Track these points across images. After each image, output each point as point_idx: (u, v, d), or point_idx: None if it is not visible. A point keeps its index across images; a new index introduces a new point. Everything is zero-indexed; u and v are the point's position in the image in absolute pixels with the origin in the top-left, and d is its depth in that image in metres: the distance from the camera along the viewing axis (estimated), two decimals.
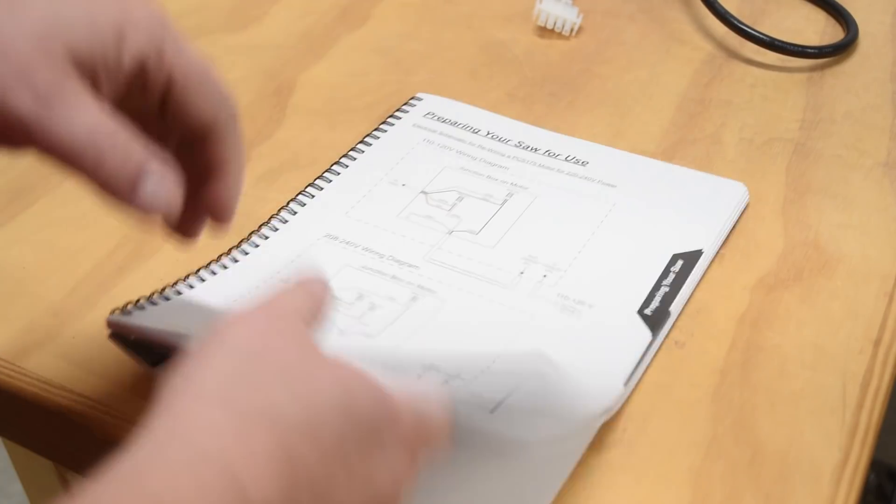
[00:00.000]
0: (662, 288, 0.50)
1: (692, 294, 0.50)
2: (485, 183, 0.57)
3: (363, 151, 0.59)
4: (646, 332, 0.47)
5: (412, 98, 0.64)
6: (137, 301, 0.48)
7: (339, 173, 0.57)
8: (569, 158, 0.59)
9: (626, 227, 0.53)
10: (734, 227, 0.54)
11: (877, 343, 0.48)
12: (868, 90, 0.66)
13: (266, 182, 0.58)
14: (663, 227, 0.53)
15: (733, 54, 0.69)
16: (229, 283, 0.50)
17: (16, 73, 0.34)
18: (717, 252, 0.53)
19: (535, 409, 0.42)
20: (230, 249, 0.52)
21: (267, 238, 0.53)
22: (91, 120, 0.34)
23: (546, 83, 0.67)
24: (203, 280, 0.50)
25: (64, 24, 0.35)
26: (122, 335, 0.45)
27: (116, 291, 0.51)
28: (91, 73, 0.35)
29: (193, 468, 0.28)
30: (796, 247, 0.53)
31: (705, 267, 0.52)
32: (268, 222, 0.54)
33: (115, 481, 0.28)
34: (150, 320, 0.45)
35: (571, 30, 0.71)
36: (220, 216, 0.41)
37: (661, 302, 0.49)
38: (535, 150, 0.59)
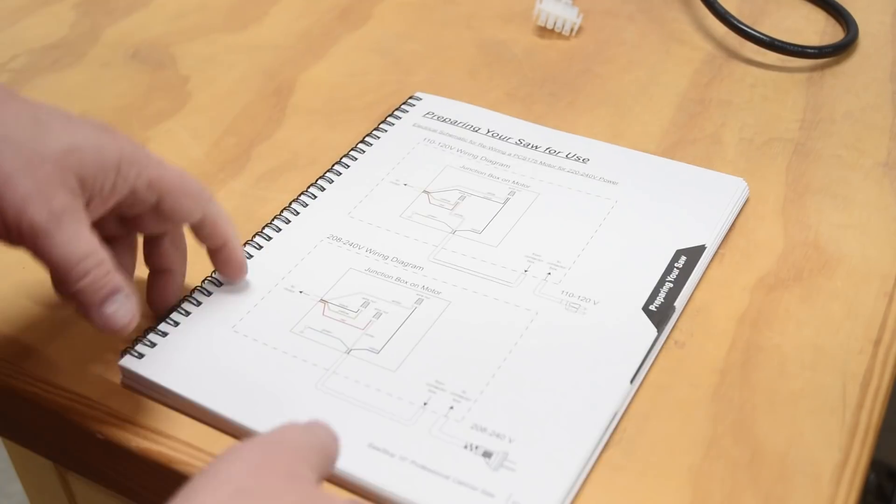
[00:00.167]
0: (666, 284, 0.50)
1: (693, 293, 0.50)
2: (486, 181, 0.57)
3: (364, 151, 0.59)
4: (651, 329, 0.47)
5: (411, 98, 0.64)
6: (146, 333, 0.47)
7: (340, 173, 0.57)
8: (569, 156, 0.59)
9: (628, 223, 0.54)
10: (734, 226, 0.54)
11: (877, 343, 0.48)
12: (868, 90, 0.66)
13: (266, 182, 0.58)
14: (665, 223, 0.53)
15: (733, 54, 0.69)
16: (236, 290, 0.50)
17: (38, 189, 0.39)
18: (718, 251, 0.53)
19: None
20: None
21: (270, 239, 0.53)
22: (87, 247, 0.40)
23: (546, 83, 0.67)
24: (208, 294, 0.49)
25: (78, 153, 0.41)
26: (133, 388, 0.46)
27: None
28: (89, 194, 0.41)
29: None
30: (796, 247, 0.53)
31: (707, 263, 0.52)
32: (271, 223, 0.54)
33: None
34: (161, 367, 0.45)
35: (571, 30, 0.72)
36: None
37: (665, 298, 0.49)
38: (536, 147, 0.59)
